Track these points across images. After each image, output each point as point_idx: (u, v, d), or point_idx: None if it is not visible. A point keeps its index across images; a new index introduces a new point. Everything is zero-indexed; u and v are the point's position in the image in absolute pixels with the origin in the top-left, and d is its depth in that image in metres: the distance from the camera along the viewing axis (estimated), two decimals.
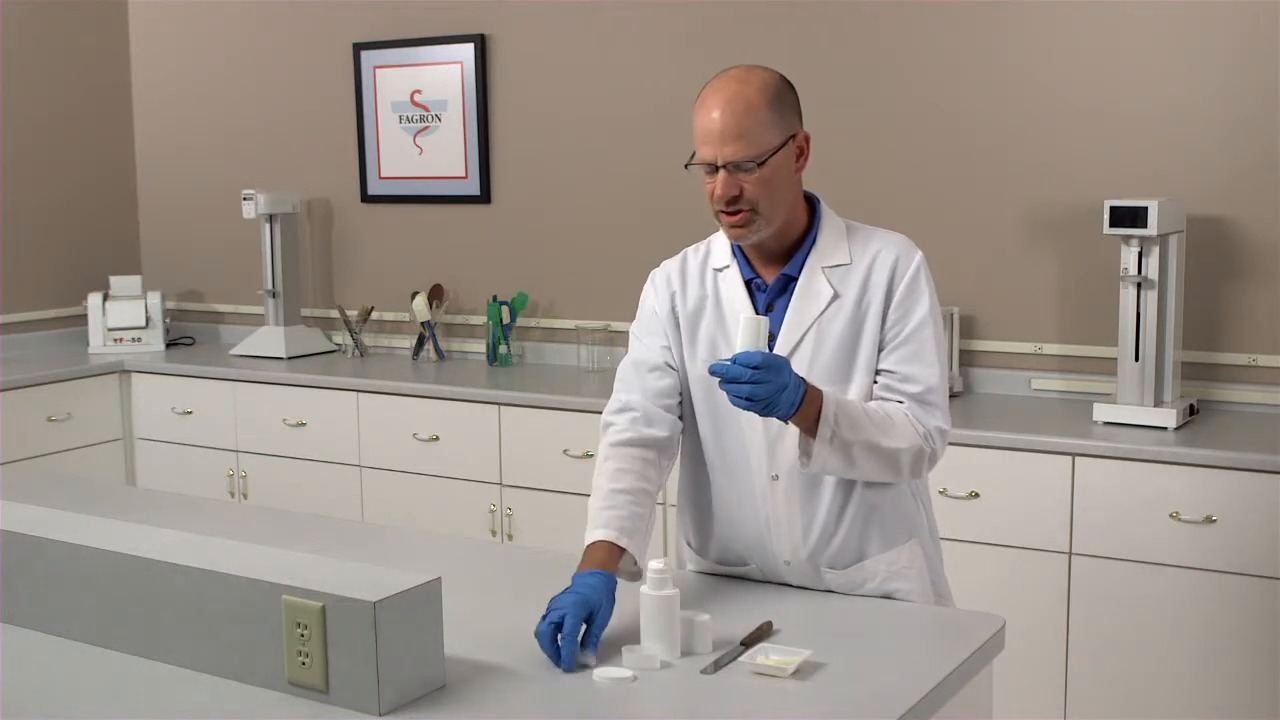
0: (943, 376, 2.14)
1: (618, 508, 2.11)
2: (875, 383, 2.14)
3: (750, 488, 2.20)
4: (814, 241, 2.17)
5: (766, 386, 1.94)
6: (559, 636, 1.87)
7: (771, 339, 2.12)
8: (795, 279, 2.16)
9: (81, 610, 1.95)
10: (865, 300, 2.14)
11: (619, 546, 2.06)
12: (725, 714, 1.74)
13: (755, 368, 1.94)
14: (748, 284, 2.19)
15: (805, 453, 2.06)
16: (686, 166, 2.13)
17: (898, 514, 2.21)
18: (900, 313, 2.13)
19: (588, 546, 2.07)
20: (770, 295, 2.18)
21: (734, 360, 1.95)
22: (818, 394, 2.03)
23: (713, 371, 1.97)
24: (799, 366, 2.11)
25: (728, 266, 2.21)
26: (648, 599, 1.89)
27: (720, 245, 2.24)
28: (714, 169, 2.07)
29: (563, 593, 1.93)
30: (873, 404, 2.11)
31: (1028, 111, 3.80)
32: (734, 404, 1.97)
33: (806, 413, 2.01)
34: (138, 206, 5.59)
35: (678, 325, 2.24)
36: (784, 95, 2.11)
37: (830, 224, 2.19)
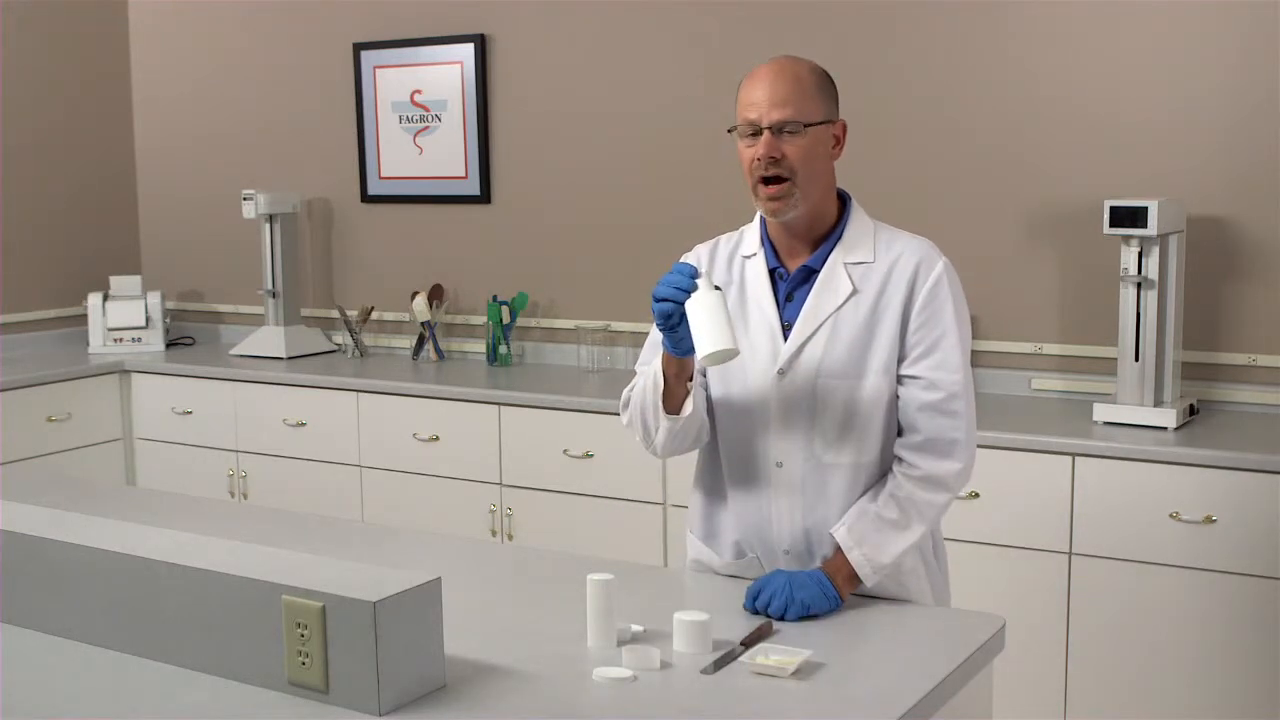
0: (966, 383, 2.15)
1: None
2: (899, 386, 2.15)
3: (755, 474, 2.21)
4: (840, 236, 2.19)
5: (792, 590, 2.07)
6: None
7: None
8: (817, 271, 2.18)
9: (81, 610, 1.95)
10: (883, 301, 2.15)
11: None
12: (725, 714, 1.74)
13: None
14: (771, 273, 2.22)
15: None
16: (730, 131, 2.17)
17: None
18: (922, 320, 2.14)
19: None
20: (791, 285, 2.20)
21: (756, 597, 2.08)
22: (837, 559, 2.14)
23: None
24: (811, 359, 2.14)
25: (755, 254, 2.24)
26: (696, 301, 1.98)
27: (751, 235, 2.27)
28: (757, 132, 2.11)
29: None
30: (881, 501, 2.14)
31: (1028, 111, 3.80)
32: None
33: (842, 572, 2.13)
34: (138, 206, 5.59)
35: None
36: (827, 83, 2.19)
37: (859, 221, 2.22)
